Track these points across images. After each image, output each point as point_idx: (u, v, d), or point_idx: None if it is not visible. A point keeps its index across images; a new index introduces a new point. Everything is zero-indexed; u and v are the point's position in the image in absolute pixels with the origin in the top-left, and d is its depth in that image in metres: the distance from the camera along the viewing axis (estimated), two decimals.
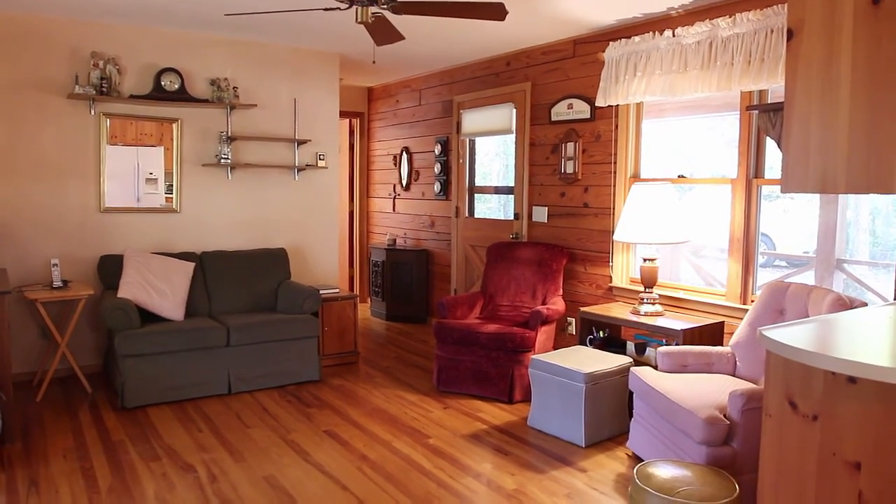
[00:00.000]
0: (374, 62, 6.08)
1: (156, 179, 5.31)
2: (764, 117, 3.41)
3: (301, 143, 5.82)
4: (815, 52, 2.14)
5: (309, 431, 4.00)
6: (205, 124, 5.40)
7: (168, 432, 3.95)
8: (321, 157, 5.96)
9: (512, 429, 4.06)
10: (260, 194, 5.70)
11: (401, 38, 4.00)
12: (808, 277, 5.97)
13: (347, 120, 8.08)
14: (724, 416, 3.00)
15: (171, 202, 5.34)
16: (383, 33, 3.95)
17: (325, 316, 5.33)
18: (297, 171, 5.85)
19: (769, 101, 3.97)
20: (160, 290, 4.72)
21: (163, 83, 5.13)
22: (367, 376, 5.18)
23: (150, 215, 5.26)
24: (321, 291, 5.30)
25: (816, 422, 2.04)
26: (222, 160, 5.41)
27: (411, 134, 7.34)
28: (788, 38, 2.21)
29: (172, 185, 5.34)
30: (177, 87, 5.18)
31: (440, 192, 6.82)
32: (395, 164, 7.60)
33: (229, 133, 5.44)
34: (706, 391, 3.20)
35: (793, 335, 2.14)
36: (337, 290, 5.62)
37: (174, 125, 5.28)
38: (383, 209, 7.93)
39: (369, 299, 7.71)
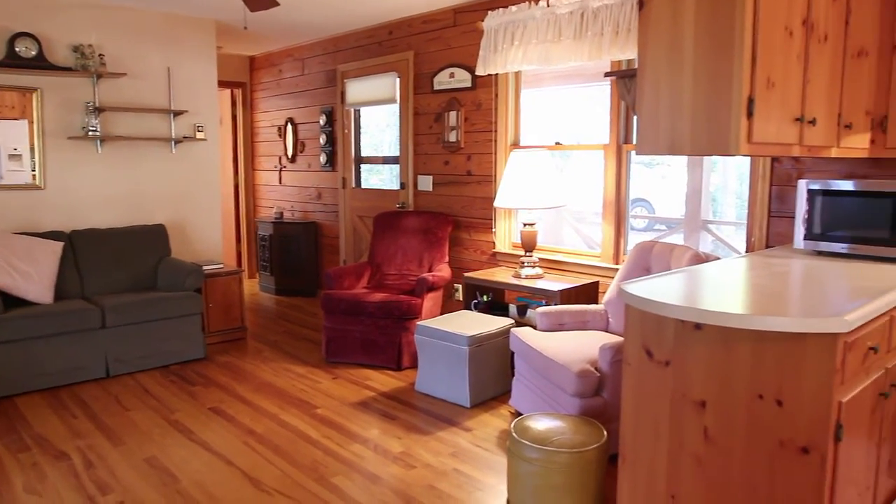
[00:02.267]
0: (245, 28, 5.87)
1: (20, 155, 4.94)
2: (620, 84, 3.58)
3: (177, 114, 5.56)
4: (663, 22, 2.27)
5: (193, 410, 3.91)
6: (69, 94, 5.05)
7: (39, 421, 3.75)
8: (199, 128, 5.73)
9: (400, 394, 4.13)
10: (134, 168, 5.42)
11: (275, 4, 3.89)
12: (679, 238, 6.38)
13: (229, 90, 7.79)
14: (595, 368, 3.18)
15: (35, 179, 4.99)
16: None
17: (209, 292, 5.19)
18: (175, 144, 5.60)
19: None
20: (24, 272, 4.43)
21: (17, 49, 4.75)
22: (255, 351, 5.10)
23: (12, 193, 4.89)
24: (204, 267, 5.14)
25: (669, 367, 2.21)
26: (90, 132, 5.09)
27: (296, 104, 7.18)
28: (640, 8, 2.33)
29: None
30: (34, 53, 4.81)
31: (326, 163, 6.74)
32: (281, 136, 7.42)
33: (97, 104, 5.12)
34: (580, 347, 3.37)
35: (648, 289, 2.29)
36: (221, 266, 5.47)
37: (34, 95, 4.91)
38: (269, 182, 7.74)
39: (258, 274, 7.55)
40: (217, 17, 5.64)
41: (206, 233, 5.86)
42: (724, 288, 2.39)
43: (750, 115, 2.11)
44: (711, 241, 5.90)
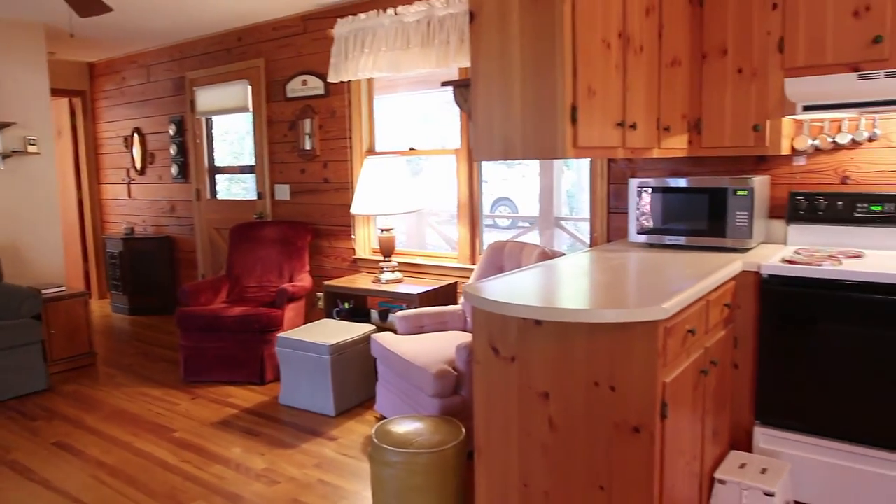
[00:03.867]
0: (72, 35, 5.51)
1: None
2: (457, 93, 3.70)
3: (4, 126, 5.12)
4: (492, 35, 2.38)
5: (33, 447, 3.62)
6: None
7: None
8: (31, 141, 5.31)
9: (263, 409, 4.04)
10: None
11: (107, 9, 3.69)
12: (536, 235, 6.66)
13: (66, 99, 7.26)
14: (454, 368, 3.27)
15: None
16: (85, 4, 3.61)
17: (50, 318, 4.82)
18: (2, 159, 5.15)
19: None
20: None
21: None
22: (106, 378, 4.79)
23: None
24: (43, 291, 4.77)
25: (514, 363, 2.32)
26: None
27: (142, 113, 6.81)
28: (471, 20, 2.43)
29: None
30: None
31: (179, 174, 6.45)
32: (127, 147, 7.02)
33: None
34: (438, 348, 3.45)
35: (491, 289, 2.39)
36: (63, 289, 5.09)
37: None
38: (118, 196, 7.30)
39: (109, 294, 7.09)
40: (46, 20, 5.25)
41: (46, 253, 5.44)
42: (563, 284, 2.54)
43: (574, 121, 2.26)
44: (568, 237, 6.23)
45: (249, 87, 5.63)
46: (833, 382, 2.68)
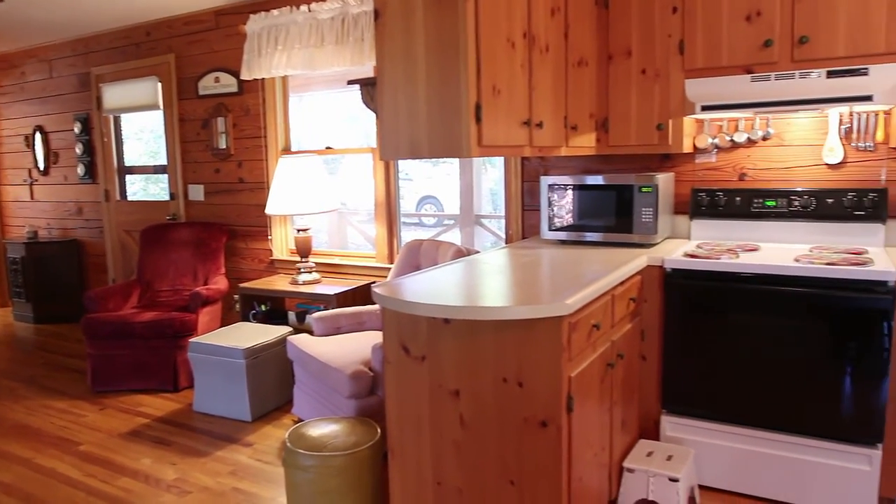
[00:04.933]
0: None
1: None
2: (364, 91, 3.68)
3: None
4: (397, 34, 2.37)
5: None
6: None
7: None
8: None
9: (176, 417, 3.91)
10: None
11: None
12: (457, 233, 6.69)
13: None
14: (370, 369, 3.25)
15: None
16: None
17: None
18: None
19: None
20: None
21: None
22: (5, 391, 4.53)
23: None
24: None
25: (424, 362, 2.32)
26: None
27: (45, 111, 6.47)
28: (376, 19, 2.41)
29: None
30: None
31: (85, 174, 6.16)
32: (29, 146, 6.65)
33: None
34: (355, 348, 3.42)
35: (401, 288, 2.38)
36: None
37: None
38: (19, 198, 6.92)
39: (11, 303, 6.71)
40: None
41: None
42: (472, 282, 2.55)
43: (478, 120, 2.27)
44: (489, 235, 6.29)
45: (159, 84, 5.43)
46: (733, 370, 2.80)
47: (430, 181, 12.11)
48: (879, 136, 3.07)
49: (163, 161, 5.72)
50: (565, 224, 3.35)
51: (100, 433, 3.73)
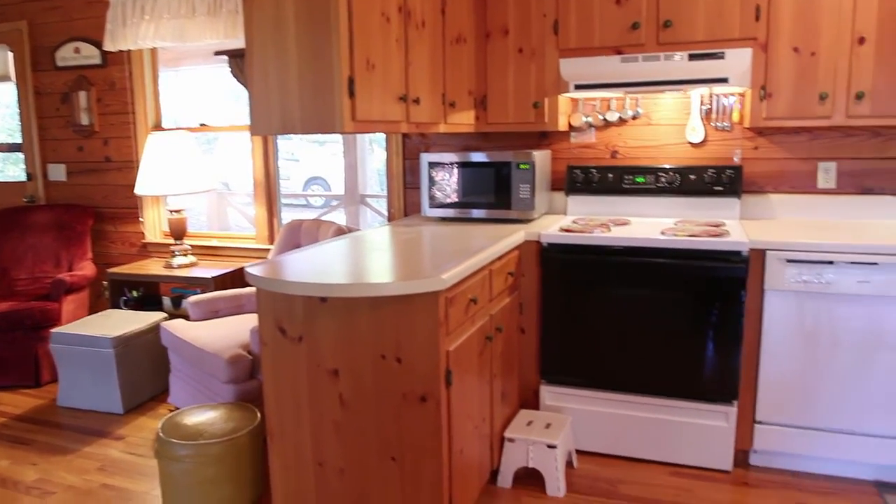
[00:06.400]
0: None
1: None
2: (233, 63, 3.54)
3: None
4: (266, 3, 2.27)
5: None
6: None
7: None
8: None
9: (38, 414, 3.64)
10: None
11: None
12: (342, 213, 6.59)
13: None
14: (248, 352, 3.15)
15: None
16: None
17: None
18: None
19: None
20: None
21: None
22: None
23: None
24: None
25: (302, 342, 2.27)
26: None
27: None
28: None
29: None
30: None
31: None
32: None
33: None
34: (232, 332, 3.31)
35: (277, 268, 2.31)
36: None
37: None
38: None
39: None
40: None
41: None
42: (350, 259, 2.51)
43: (352, 94, 2.22)
44: (375, 215, 6.23)
45: (10, 54, 4.98)
46: (605, 339, 2.93)
47: (318, 162, 11.87)
48: (735, 116, 3.28)
49: (18, 139, 5.25)
50: (446, 201, 3.37)
51: None
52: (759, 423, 2.81)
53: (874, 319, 2.61)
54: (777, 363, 2.74)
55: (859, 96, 2.78)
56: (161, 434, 2.63)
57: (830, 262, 2.62)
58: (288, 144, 11.97)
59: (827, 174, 3.19)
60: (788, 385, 2.74)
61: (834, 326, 2.65)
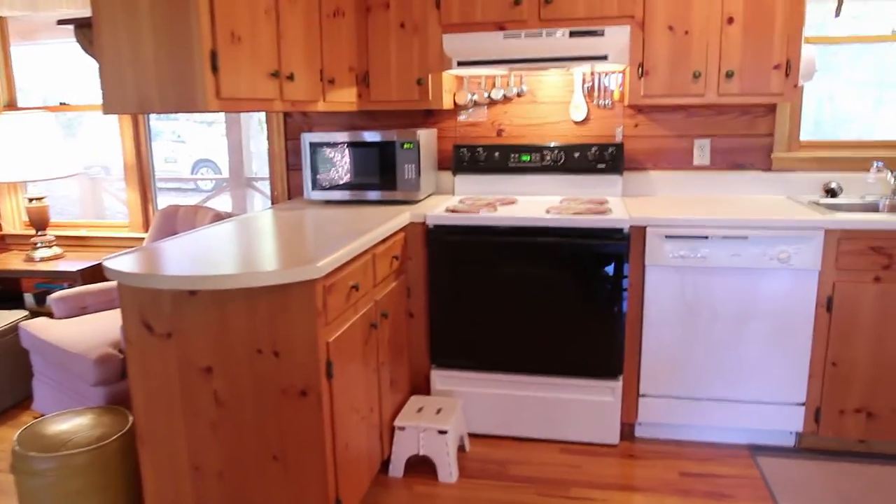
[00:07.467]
0: None
1: None
2: (79, 34, 3.25)
3: None
4: None
5: None
6: None
7: None
8: None
9: None
10: None
11: None
12: (227, 197, 6.29)
13: None
14: (120, 350, 2.92)
15: None
16: None
17: None
18: None
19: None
20: None
21: None
22: None
23: None
24: None
25: (171, 339, 2.10)
26: None
27: None
28: None
29: None
30: None
31: None
32: None
33: None
34: (102, 329, 3.06)
35: (140, 260, 2.12)
36: None
37: None
38: None
39: None
40: None
41: None
42: (225, 248, 2.35)
43: (215, 69, 2.06)
44: (265, 198, 5.98)
45: None
46: (494, 320, 2.91)
47: (206, 143, 11.35)
48: (616, 94, 3.32)
49: None
50: (329, 184, 3.24)
51: None
52: (643, 395, 2.89)
53: (746, 290, 2.71)
54: (659, 337, 2.82)
55: (729, 75, 2.87)
56: (17, 447, 2.39)
57: (705, 237, 2.70)
58: (172, 125, 11.35)
59: (702, 151, 3.29)
60: (670, 358, 2.83)
61: (711, 299, 2.75)
